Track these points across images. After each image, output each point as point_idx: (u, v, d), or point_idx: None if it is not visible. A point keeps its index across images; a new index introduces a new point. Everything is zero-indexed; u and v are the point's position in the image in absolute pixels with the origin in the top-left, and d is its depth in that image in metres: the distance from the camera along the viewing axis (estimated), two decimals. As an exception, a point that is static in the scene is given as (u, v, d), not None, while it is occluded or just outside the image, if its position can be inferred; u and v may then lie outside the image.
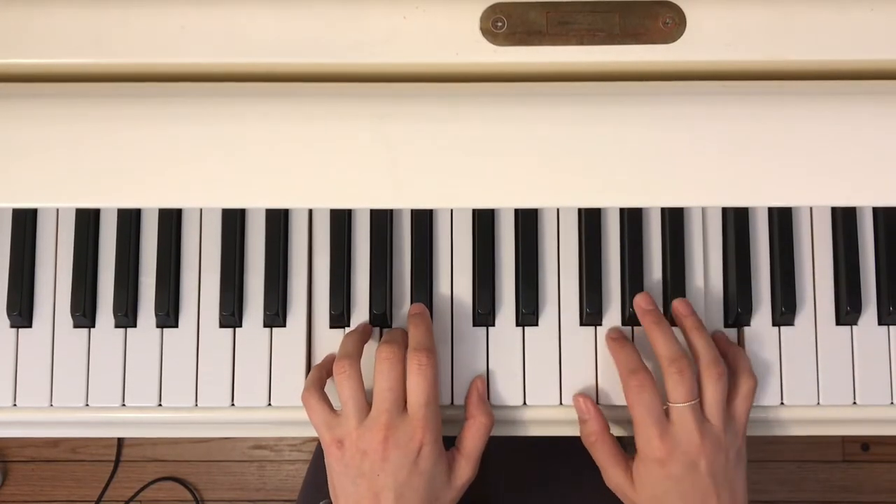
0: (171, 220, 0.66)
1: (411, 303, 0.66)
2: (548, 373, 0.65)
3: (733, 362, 0.63)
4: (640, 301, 0.64)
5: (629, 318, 0.65)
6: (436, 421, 0.60)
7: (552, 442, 0.82)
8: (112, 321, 0.66)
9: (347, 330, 0.65)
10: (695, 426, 0.59)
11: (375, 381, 0.60)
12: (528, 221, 0.66)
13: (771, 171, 0.59)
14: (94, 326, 0.66)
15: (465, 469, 0.62)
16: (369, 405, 0.60)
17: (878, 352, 0.65)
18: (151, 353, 0.66)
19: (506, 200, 0.60)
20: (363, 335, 0.64)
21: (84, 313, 0.65)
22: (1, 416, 0.66)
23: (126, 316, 0.65)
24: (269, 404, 0.65)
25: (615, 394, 0.65)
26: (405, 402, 0.60)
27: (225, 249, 0.66)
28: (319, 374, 0.63)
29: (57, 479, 1.54)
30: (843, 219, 0.66)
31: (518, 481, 0.85)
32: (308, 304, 0.66)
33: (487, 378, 0.65)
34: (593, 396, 0.65)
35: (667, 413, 0.60)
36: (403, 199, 0.60)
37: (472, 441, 0.63)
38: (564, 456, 0.85)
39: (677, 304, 0.65)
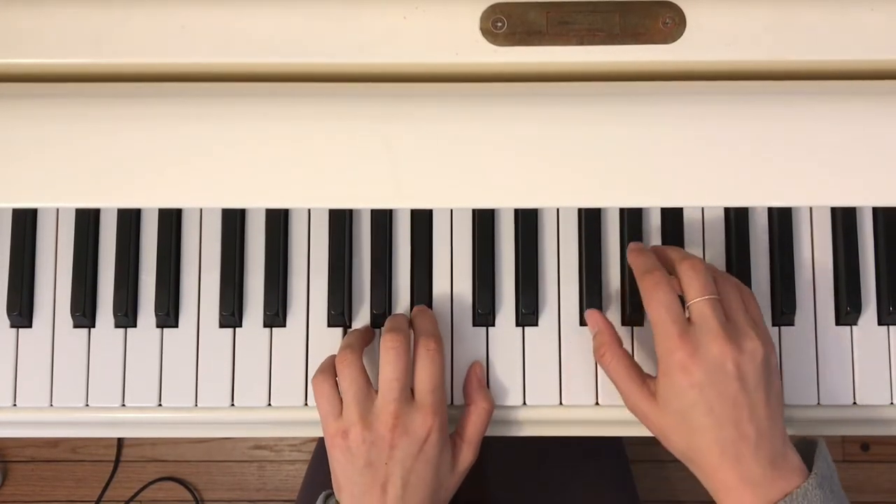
0: (171, 220, 0.66)
1: (411, 303, 0.65)
2: (548, 373, 0.65)
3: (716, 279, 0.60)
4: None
5: (629, 318, 0.65)
6: (443, 407, 0.60)
7: (552, 442, 0.82)
8: (112, 321, 0.66)
9: (349, 331, 0.65)
10: (717, 322, 0.55)
11: (382, 371, 0.60)
12: (528, 221, 0.66)
13: (771, 170, 0.59)
14: (94, 326, 0.66)
15: (468, 454, 0.62)
16: (372, 391, 0.60)
17: (878, 352, 0.65)
18: (151, 353, 0.66)
19: (506, 200, 0.60)
20: (366, 333, 0.64)
21: (84, 313, 0.65)
22: (1, 416, 0.66)
23: (126, 316, 0.65)
24: (269, 404, 0.65)
25: (615, 394, 0.65)
26: (411, 390, 0.60)
27: (225, 249, 0.66)
28: (332, 359, 0.63)
29: (57, 479, 1.54)
30: (843, 219, 0.66)
31: (518, 481, 0.85)
32: (307, 303, 0.66)
33: (487, 378, 0.65)
34: (593, 397, 0.65)
35: (687, 314, 0.56)
36: (403, 199, 0.60)
37: (474, 426, 0.62)
38: (564, 456, 0.85)
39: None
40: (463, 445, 0.62)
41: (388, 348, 0.59)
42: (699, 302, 0.56)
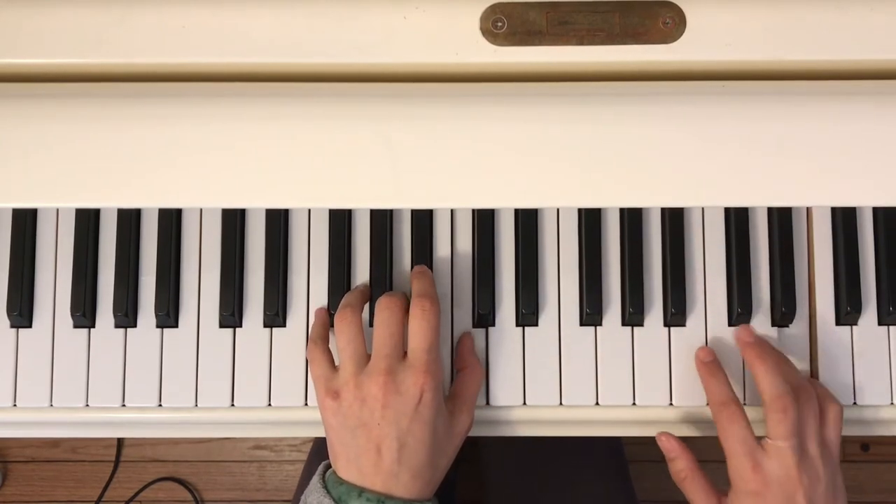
0: (171, 220, 0.66)
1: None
2: (548, 373, 0.65)
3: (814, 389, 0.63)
4: (742, 334, 0.64)
5: (629, 319, 0.65)
6: (437, 367, 0.59)
7: (552, 442, 0.82)
8: (112, 321, 0.66)
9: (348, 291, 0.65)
10: (793, 460, 0.58)
11: (375, 329, 0.60)
12: (528, 221, 0.66)
13: (771, 170, 0.59)
14: (94, 326, 0.66)
15: (465, 416, 0.61)
16: (368, 356, 0.60)
17: (878, 352, 0.65)
18: (151, 353, 0.66)
19: (506, 200, 0.60)
20: (364, 292, 0.64)
21: (84, 313, 0.65)
22: (1, 416, 0.66)
23: (126, 316, 0.65)
24: (269, 404, 0.65)
25: (614, 394, 0.65)
26: (405, 351, 0.60)
27: (225, 249, 0.66)
28: (325, 331, 0.63)
29: (57, 479, 1.54)
30: (843, 219, 0.66)
31: (518, 481, 0.85)
32: (307, 303, 0.66)
33: (487, 379, 0.65)
34: (593, 397, 0.65)
35: (763, 447, 0.60)
36: (403, 199, 0.60)
37: (468, 388, 0.62)
38: (564, 456, 0.85)
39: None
40: (460, 407, 0.61)
41: (383, 308, 0.60)
42: (782, 446, 0.59)
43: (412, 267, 0.66)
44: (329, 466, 0.61)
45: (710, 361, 0.63)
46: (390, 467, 0.56)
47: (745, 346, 0.63)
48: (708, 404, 0.63)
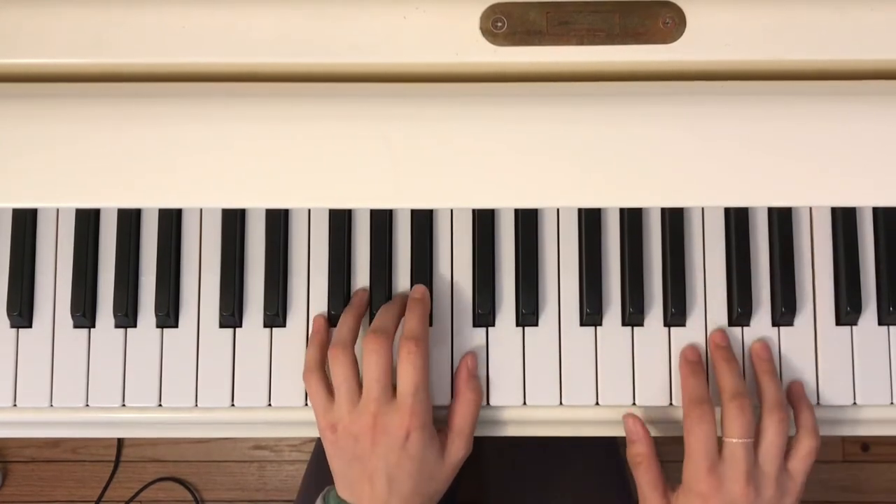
0: (171, 220, 0.66)
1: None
2: (548, 373, 0.65)
3: (798, 416, 0.63)
4: (715, 337, 0.64)
5: (629, 319, 0.65)
6: (424, 407, 0.61)
7: (552, 442, 0.82)
8: (112, 321, 0.66)
9: (342, 318, 0.65)
10: (744, 466, 0.59)
11: (364, 371, 0.61)
12: (528, 221, 0.66)
13: (771, 170, 0.59)
14: (94, 326, 0.66)
15: (458, 446, 0.63)
16: (359, 391, 0.61)
17: (878, 352, 0.65)
18: (151, 353, 0.66)
19: (506, 200, 0.60)
20: (358, 316, 0.64)
21: (84, 313, 0.65)
22: (1, 416, 0.66)
23: (126, 316, 0.65)
24: (269, 404, 0.65)
25: (614, 394, 0.65)
26: (393, 389, 0.61)
27: (225, 249, 0.66)
28: (319, 354, 0.64)
29: (57, 479, 1.54)
30: (843, 219, 0.66)
31: (517, 481, 0.85)
32: (307, 304, 0.66)
33: (487, 378, 0.65)
34: (593, 397, 0.65)
35: (721, 450, 0.60)
36: (403, 199, 0.60)
37: (462, 418, 0.63)
38: (563, 456, 0.85)
39: (758, 347, 0.64)
40: (453, 437, 0.63)
41: (370, 350, 0.61)
42: (734, 443, 0.59)
43: (412, 267, 0.66)
44: (331, 489, 0.64)
45: (695, 361, 0.64)
46: (381, 496, 0.60)
47: (715, 348, 0.64)
48: (682, 401, 0.63)
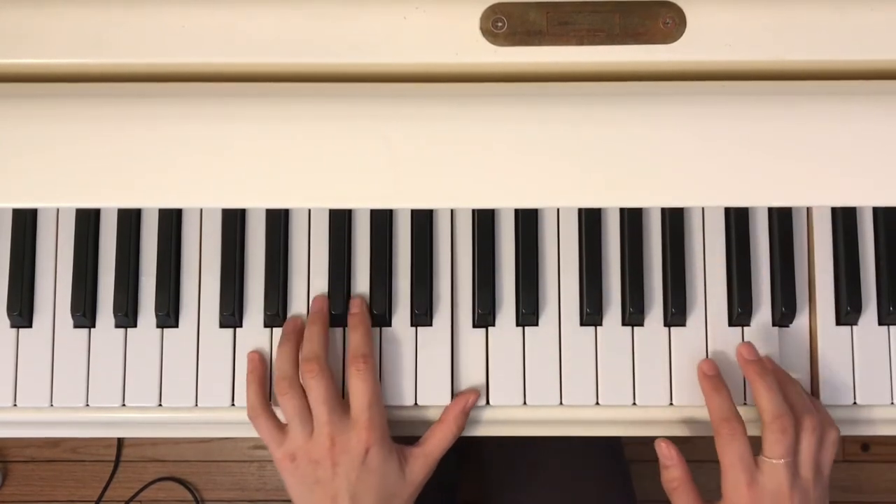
0: (171, 220, 0.66)
1: (412, 303, 0.65)
2: (548, 373, 0.65)
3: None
4: (743, 351, 0.64)
5: (629, 319, 0.65)
6: (381, 420, 0.62)
7: (552, 442, 0.82)
8: (112, 321, 0.66)
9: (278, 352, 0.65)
10: (787, 480, 0.60)
11: (310, 398, 0.62)
12: (528, 221, 0.66)
13: (771, 171, 0.59)
14: (94, 326, 0.66)
15: (422, 467, 0.64)
16: (311, 417, 0.62)
17: (878, 352, 0.65)
18: (151, 353, 0.66)
19: (506, 200, 0.60)
20: (296, 343, 0.64)
21: (84, 313, 0.65)
22: (1, 416, 0.66)
23: (126, 316, 0.65)
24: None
25: (614, 394, 0.65)
26: (343, 404, 0.62)
27: (225, 249, 0.66)
28: (262, 392, 0.64)
29: (57, 479, 1.54)
30: (843, 219, 0.66)
31: (517, 481, 0.85)
32: (307, 304, 0.66)
33: (487, 379, 0.65)
34: (593, 397, 0.65)
35: (758, 463, 0.60)
36: (403, 199, 0.60)
37: (437, 443, 0.64)
38: (564, 456, 0.85)
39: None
40: (420, 457, 0.64)
41: (309, 378, 0.62)
42: (777, 465, 0.60)
43: (412, 267, 0.66)
44: None
45: (713, 376, 0.63)
46: None
47: (745, 364, 0.63)
48: (710, 418, 0.63)
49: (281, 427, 0.63)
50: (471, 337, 0.66)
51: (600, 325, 0.66)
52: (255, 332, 0.66)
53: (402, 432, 0.66)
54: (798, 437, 0.60)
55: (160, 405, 0.65)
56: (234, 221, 0.66)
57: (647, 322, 0.65)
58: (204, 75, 0.62)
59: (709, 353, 0.65)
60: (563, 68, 0.61)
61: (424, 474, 0.64)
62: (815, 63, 0.61)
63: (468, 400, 0.64)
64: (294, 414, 0.62)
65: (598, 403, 0.65)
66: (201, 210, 0.67)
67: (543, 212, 0.66)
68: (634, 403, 0.65)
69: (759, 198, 0.60)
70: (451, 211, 0.67)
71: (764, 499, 0.60)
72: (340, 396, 0.63)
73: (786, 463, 0.60)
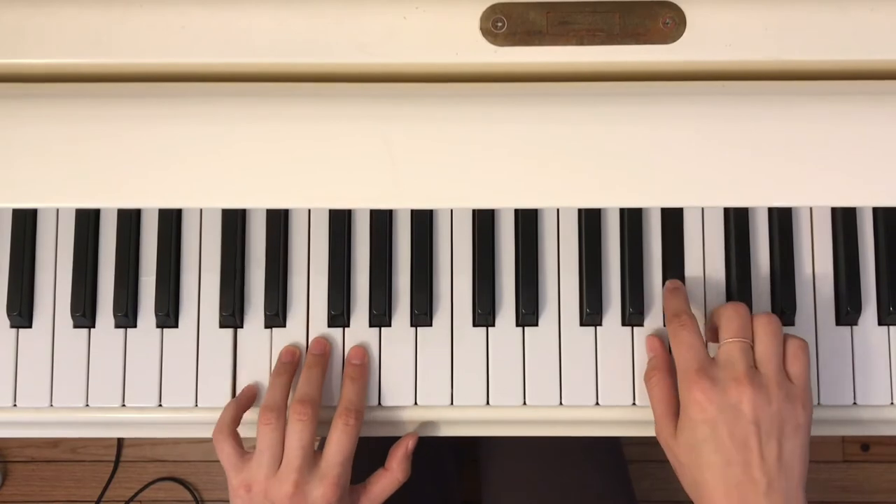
0: (171, 220, 0.66)
1: (412, 303, 0.65)
2: (548, 373, 0.65)
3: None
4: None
5: (629, 319, 0.65)
6: (346, 478, 0.62)
7: (552, 442, 0.82)
8: (112, 321, 0.66)
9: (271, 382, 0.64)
10: (742, 362, 0.56)
11: (288, 438, 0.61)
12: (528, 221, 0.66)
13: (771, 171, 0.59)
14: (94, 326, 0.66)
15: None
16: (281, 458, 0.61)
17: (878, 352, 0.65)
18: (151, 353, 0.66)
19: (506, 200, 0.60)
20: (291, 376, 0.64)
21: (84, 313, 0.65)
22: (1, 416, 0.66)
23: (126, 316, 0.65)
24: (269, 404, 0.65)
25: (615, 394, 0.65)
26: (315, 454, 0.61)
27: (225, 249, 0.66)
28: (236, 414, 0.63)
29: (57, 479, 1.54)
30: (843, 219, 0.66)
31: (517, 481, 0.85)
32: (307, 304, 0.66)
33: (487, 378, 0.65)
34: (593, 397, 0.65)
35: (714, 359, 0.58)
36: (403, 199, 0.60)
37: (382, 489, 0.64)
38: (564, 456, 0.85)
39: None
40: (365, 501, 0.64)
41: (295, 420, 0.60)
42: (728, 343, 0.57)
43: (412, 267, 0.66)
44: None
45: (676, 287, 0.64)
46: None
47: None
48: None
49: (243, 454, 0.62)
50: (471, 337, 0.66)
51: (600, 325, 0.66)
52: (254, 333, 0.66)
53: (401, 432, 0.66)
54: (754, 328, 0.57)
55: (160, 405, 0.65)
56: (234, 221, 0.66)
57: (646, 322, 0.65)
58: (204, 75, 0.62)
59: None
60: (563, 68, 0.61)
61: None
62: (815, 63, 0.61)
63: (408, 444, 0.64)
64: (267, 447, 0.61)
65: (597, 404, 0.65)
66: (201, 210, 0.67)
67: (543, 212, 0.66)
68: (634, 403, 0.65)
69: (759, 198, 0.60)
70: (451, 211, 0.67)
71: (716, 385, 0.55)
72: (314, 444, 0.62)
73: (739, 342, 0.56)
